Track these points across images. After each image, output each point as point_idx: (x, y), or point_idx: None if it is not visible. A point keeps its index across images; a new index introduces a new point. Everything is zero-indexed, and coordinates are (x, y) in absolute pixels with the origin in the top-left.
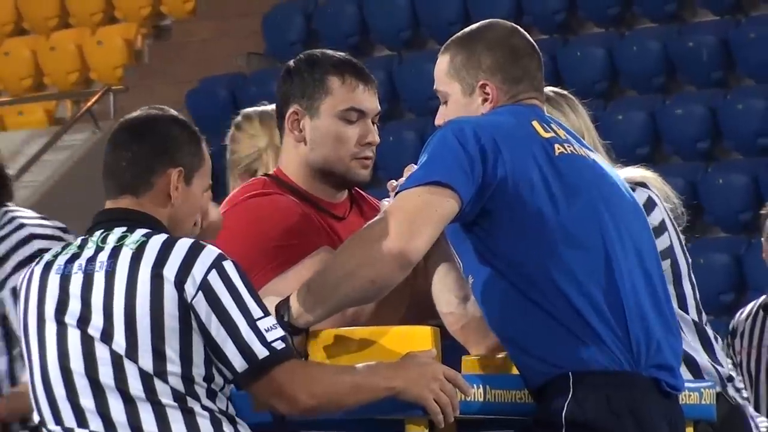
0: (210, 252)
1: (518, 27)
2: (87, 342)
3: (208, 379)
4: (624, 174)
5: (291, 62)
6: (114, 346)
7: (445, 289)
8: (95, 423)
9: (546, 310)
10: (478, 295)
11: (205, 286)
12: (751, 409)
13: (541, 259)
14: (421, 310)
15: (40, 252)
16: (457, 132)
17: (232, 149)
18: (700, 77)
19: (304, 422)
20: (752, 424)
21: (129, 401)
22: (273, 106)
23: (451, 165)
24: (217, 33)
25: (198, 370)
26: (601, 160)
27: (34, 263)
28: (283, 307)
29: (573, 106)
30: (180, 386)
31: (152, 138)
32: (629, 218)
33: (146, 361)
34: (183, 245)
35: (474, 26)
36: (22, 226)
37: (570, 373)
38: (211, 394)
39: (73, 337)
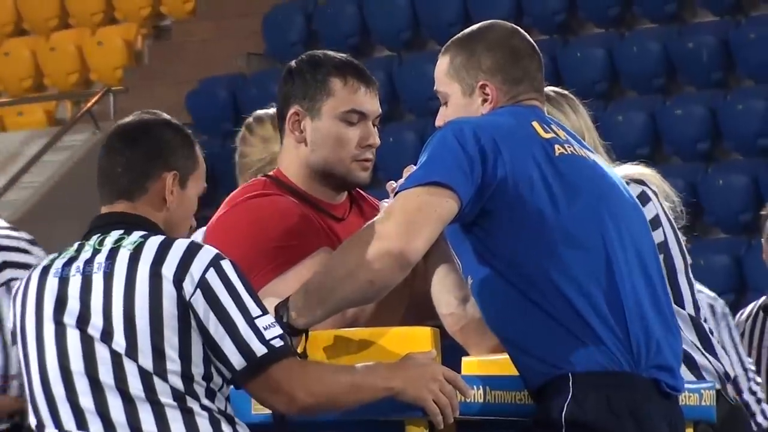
0: (208, 251)
1: (518, 28)
2: (87, 342)
3: (207, 377)
4: (622, 171)
5: (293, 63)
6: (114, 346)
7: (444, 290)
8: (95, 424)
9: (546, 311)
10: (478, 296)
11: (203, 285)
12: (764, 405)
13: (540, 260)
14: (421, 311)
15: (5, 265)
16: (457, 132)
17: (242, 152)
18: (700, 78)
19: (304, 423)
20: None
21: (129, 401)
22: None
23: (450, 165)
24: (216, 33)
25: (197, 369)
26: (601, 160)
27: (31, 269)
28: (282, 308)
29: (574, 106)
30: (179, 385)
31: (146, 143)
32: (629, 219)
33: (146, 359)
34: (181, 245)
35: (474, 27)
36: None
37: (570, 374)
38: (210, 394)
39: (73, 337)
